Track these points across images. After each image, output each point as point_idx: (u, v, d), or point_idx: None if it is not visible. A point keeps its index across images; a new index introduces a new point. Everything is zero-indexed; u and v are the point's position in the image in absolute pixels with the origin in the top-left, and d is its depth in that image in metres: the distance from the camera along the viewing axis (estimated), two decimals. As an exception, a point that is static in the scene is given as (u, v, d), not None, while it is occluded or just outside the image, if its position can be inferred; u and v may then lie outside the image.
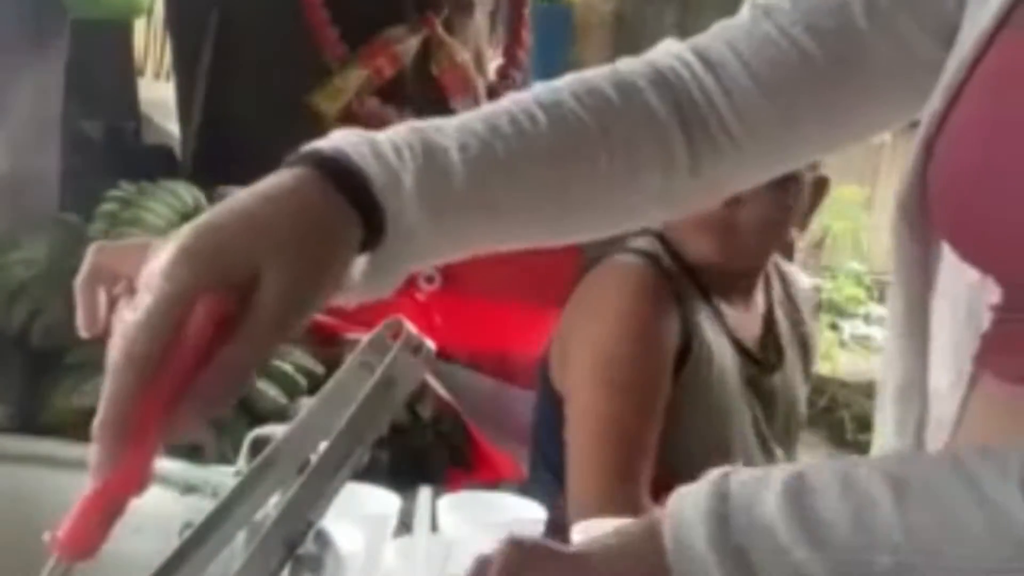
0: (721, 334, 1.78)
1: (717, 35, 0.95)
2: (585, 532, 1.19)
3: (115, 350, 0.71)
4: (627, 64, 0.93)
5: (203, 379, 0.71)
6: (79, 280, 0.81)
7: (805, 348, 1.93)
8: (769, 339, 1.87)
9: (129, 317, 0.73)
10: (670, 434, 1.68)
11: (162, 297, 0.71)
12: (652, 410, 1.67)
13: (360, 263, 0.80)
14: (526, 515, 1.22)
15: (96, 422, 0.69)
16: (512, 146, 0.86)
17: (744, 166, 0.95)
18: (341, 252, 0.78)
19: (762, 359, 1.83)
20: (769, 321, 1.88)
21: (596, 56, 5.00)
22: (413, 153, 0.82)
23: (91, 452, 0.69)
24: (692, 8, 4.54)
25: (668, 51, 0.95)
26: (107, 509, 0.70)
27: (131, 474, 0.70)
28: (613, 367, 1.68)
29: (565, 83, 0.91)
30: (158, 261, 0.73)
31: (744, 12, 0.96)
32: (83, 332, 0.80)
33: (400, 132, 0.83)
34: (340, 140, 0.81)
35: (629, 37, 4.94)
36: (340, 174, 0.78)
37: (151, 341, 0.70)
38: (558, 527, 1.30)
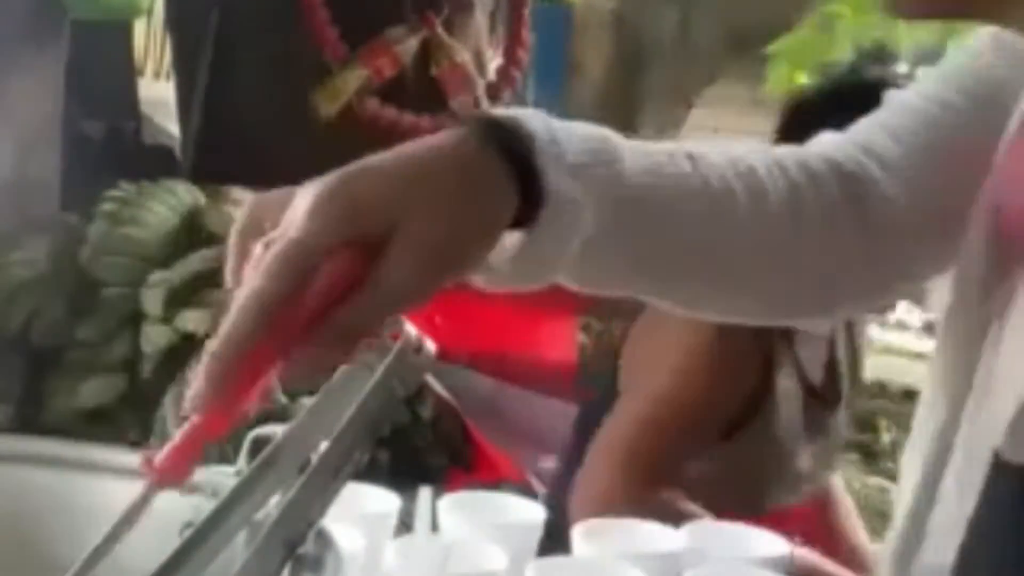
0: (792, 375, 1.76)
1: (870, 123, 0.95)
2: (587, 532, 1.19)
3: (245, 285, 0.67)
4: (804, 151, 0.92)
5: (312, 337, 0.67)
6: (235, 230, 0.74)
7: (855, 365, 1.91)
8: (833, 365, 1.84)
9: (260, 253, 0.68)
10: (734, 473, 1.68)
11: (299, 239, 0.66)
12: (695, 431, 1.67)
13: (511, 247, 0.74)
14: (526, 515, 1.21)
15: (210, 354, 0.66)
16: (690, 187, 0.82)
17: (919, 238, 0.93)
18: (490, 212, 0.70)
19: (825, 394, 1.82)
20: (831, 344, 1.85)
21: (596, 56, 5.00)
22: (584, 136, 0.77)
23: (197, 381, 0.67)
24: (692, 8, 4.55)
25: (831, 141, 0.94)
26: (199, 444, 0.70)
27: (225, 415, 0.70)
28: (675, 385, 1.67)
29: (755, 153, 0.88)
30: (301, 201, 0.68)
31: (885, 103, 0.97)
32: (228, 283, 0.73)
33: (573, 124, 0.78)
34: (517, 111, 0.75)
35: (629, 37, 4.94)
36: (501, 131, 0.72)
37: (280, 282, 0.66)
38: (558, 527, 1.30)
